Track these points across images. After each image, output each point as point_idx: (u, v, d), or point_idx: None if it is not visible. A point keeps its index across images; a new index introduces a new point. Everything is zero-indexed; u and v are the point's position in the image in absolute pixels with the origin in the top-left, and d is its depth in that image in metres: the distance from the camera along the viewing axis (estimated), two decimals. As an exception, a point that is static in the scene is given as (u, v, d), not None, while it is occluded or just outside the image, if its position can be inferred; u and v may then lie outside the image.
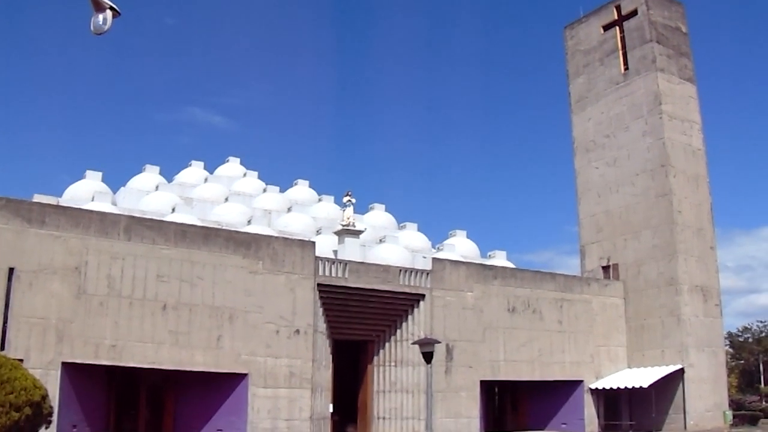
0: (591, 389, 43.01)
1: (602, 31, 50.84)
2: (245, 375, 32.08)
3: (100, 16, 12.38)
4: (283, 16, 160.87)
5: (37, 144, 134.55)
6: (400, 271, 37.97)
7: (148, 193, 43.29)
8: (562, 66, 53.75)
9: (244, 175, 51.31)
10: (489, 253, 48.98)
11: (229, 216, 41.81)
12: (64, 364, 27.82)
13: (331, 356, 36.49)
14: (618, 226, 47.35)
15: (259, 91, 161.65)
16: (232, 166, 52.35)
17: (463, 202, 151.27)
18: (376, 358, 38.91)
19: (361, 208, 48.34)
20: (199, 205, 43.23)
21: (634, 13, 48.57)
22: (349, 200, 40.92)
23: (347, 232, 40.41)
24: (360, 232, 41.26)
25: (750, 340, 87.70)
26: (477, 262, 44.45)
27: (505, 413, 45.59)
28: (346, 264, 36.41)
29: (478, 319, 39.63)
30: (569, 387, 42.82)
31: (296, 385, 33.31)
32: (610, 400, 44.23)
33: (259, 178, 51.38)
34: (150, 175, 46.52)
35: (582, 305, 43.83)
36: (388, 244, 42.69)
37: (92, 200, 38.63)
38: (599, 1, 51.68)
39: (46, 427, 20.08)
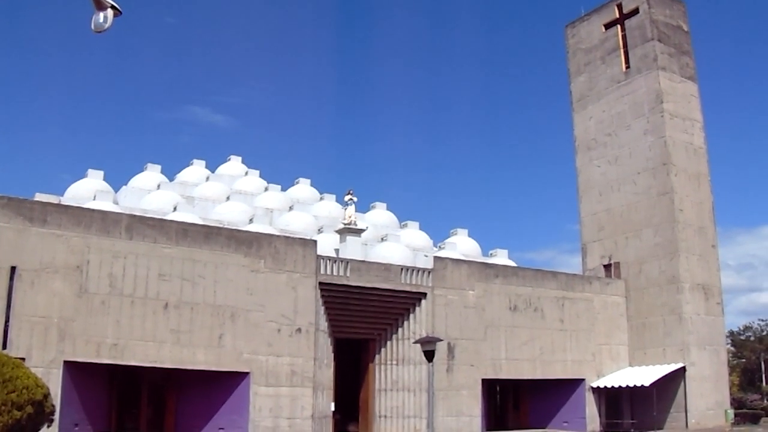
0: (592, 388, 43.01)
1: (603, 29, 50.82)
2: (247, 374, 32.10)
3: (101, 15, 12.39)
4: (284, 15, 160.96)
5: (39, 143, 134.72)
6: (402, 269, 37.97)
7: (150, 192, 43.32)
8: (564, 64, 53.77)
9: (246, 173, 51.32)
10: (490, 252, 49.00)
11: (231, 215, 41.83)
12: (65, 362, 27.86)
13: (332, 355, 36.49)
14: (619, 224, 47.34)
15: (261, 90, 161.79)
16: (234, 164, 52.36)
17: (464, 201, 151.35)
18: (377, 356, 38.92)
19: (363, 207, 48.43)
20: (200, 204, 43.23)
21: (635, 11, 48.54)
22: (351, 199, 40.96)
23: (349, 230, 40.43)
24: (361, 230, 41.27)
25: (752, 338, 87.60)
26: (478, 260, 44.44)
27: (506, 412, 45.60)
28: (347, 263, 36.42)
29: (479, 318, 39.64)
30: (571, 385, 42.82)
31: (298, 383, 33.33)
32: (612, 399, 44.22)
33: (261, 176, 51.38)
34: (151, 174, 46.55)
35: (583, 304, 43.82)
36: (390, 242, 42.71)
37: (94, 199, 38.66)
38: (600, -1, 51.69)
39: (48, 426, 20.09)
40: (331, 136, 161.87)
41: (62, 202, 35.43)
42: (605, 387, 42.91)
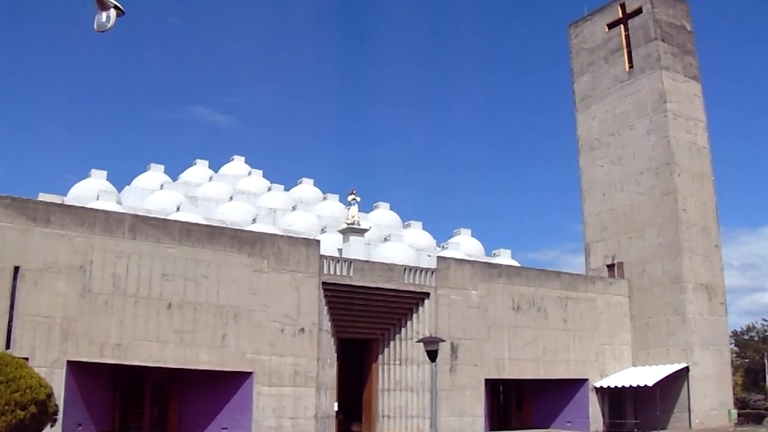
0: (596, 388, 42.98)
1: (607, 29, 50.78)
2: (250, 373, 32.11)
3: (104, 14, 12.44)
4: (287, 15, 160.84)
5: (42, 143, 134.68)
6: (405, 269, 37.97)
7: (153, 192, 43.38)
8: (567, 64, 53.75)
9: (249, 173, 51.37)
10: (494, 252, 49.00)
11: (234, 215, 41.86)
12: (69, 362, 27.89)
13: (335, 355, 36.51)
14: (623, 224, 47.29)
15: (264, 90, 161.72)
16: (237, 164, 52.40)
17: (467, 201, 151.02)
18: (380, 356, 38.93)
19: (366, 207, 48.48)
20: (203, 204, 43.29)
21: (638, 11, 48.50)
22: (354, 199, 40.99)
23: (352, 230, 40.44)
24: (365, 230, 41.28)
25: (756, 339, 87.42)
26: (482, 260, 44.44)
27: (509, 412, 45.60)
28: (350, 262, 36.43)
29: (482, 318, 39.62)
30: (574, 385, 42.79)
31: (301, 383, 33.34)
32: (615, 399, 44.18)
33: (264, 176, 51.41)
34: (155, 174, 46.60)
35: (587, 304, 43.79)
36: (393, 242, 42.73)
37: (97, 199, 38.70)
38: (604, -1, 51.64)
39: (52, 426, 20.14)
40: (334, 136, 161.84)
41: (65, 202, 35.45)
42: (608, 387, 42.88)
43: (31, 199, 29.87)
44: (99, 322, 28.86)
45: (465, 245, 47.78)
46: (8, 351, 23.88)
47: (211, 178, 49.05)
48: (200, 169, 50.57)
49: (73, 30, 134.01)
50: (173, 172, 48.93)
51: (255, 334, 32.45)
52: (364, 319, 37.83)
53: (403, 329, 38.53)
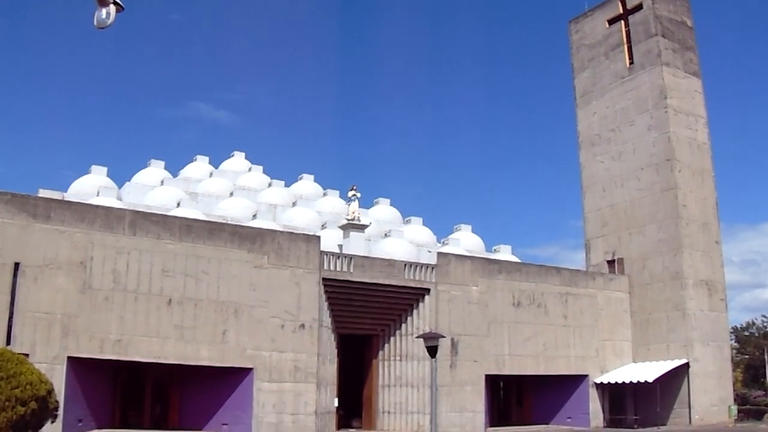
0: (596, 383, 43.01)
1: (607, 25, 50.75)
2: (250, 369, 32.13)
3: (104, 11, 12.42)
4: (287, 12, 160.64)
5: (42, 139, 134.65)
6: (405, 265, 37.97)
7: (153, 188, 43.38)
8: (567, 60, 53.71)
9: (249, 169, 51.40)
10: (494, 248, 49.00)
11: (234, 210, 41.87)
12: (69, 358, 27.90)
13: (336, 351, 36.53)
14: (623, 220, 47.29)
15: (264, 86, 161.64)
16: (237, 160, 52.43)
17: (468, 197, 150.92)
18: (381, 352, 38.95)
19: (366, 203, 48.50)
20: (204, 200, 43.31)
21: (639, 7, 48.47)
22: (354, 195, 40.98)
23: (352, 226, 40.44)
24: (365, 226, 41.28)
25: (756, 335, 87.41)
26: (482, 256, 44.43)
27: (510, 407, 45.65)
28: (351, 258, 36.42)
29: (483, 314, 39.63)
30: (574, 381, 42.82)
31: (301, 379, 33.35)
32: (615, 395, 44.21)
33: (264, 172, 51.48)
34: (155, 170, 46.64)
35: (587, 299, 43.80)
36: (393, 238, 42.74)
37: (97, 195, 38.74)
38: (604, -5, 51.55)
39: (52, 422, 20.14)
40: (335, 132, 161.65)
41: (66, 198, 35.45)
42: (609, 383, 42.91)
43: (31, 196, 29.88)
44: (99, 318, 28.87)
45: (465, 241, 47.79)
46: (9, 347, 23.89)
47: (211, 174, 49.07)
48: (200, 165, 50.62)
49: (74, 26, 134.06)
50: (173, 168, 49.04)
51: (255, 330, 32.45)
52: (365, 315, 37.83)
53: (403, 325, 38.55)
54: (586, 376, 42.92)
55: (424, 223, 48.70)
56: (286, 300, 33.59)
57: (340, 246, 39.83)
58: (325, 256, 35.44)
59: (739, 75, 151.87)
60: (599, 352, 43.68)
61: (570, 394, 43.06)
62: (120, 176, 45.23)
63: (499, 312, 40.29)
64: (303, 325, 33.82)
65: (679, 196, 44.38)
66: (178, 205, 40.11)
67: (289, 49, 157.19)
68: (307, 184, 51.03)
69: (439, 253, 40.23)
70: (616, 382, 42.58)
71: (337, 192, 49.15)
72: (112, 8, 12.37)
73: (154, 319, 30.11)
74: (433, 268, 38.61)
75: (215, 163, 51.83)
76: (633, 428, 42.14)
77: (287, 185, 50.10)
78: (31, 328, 27.38)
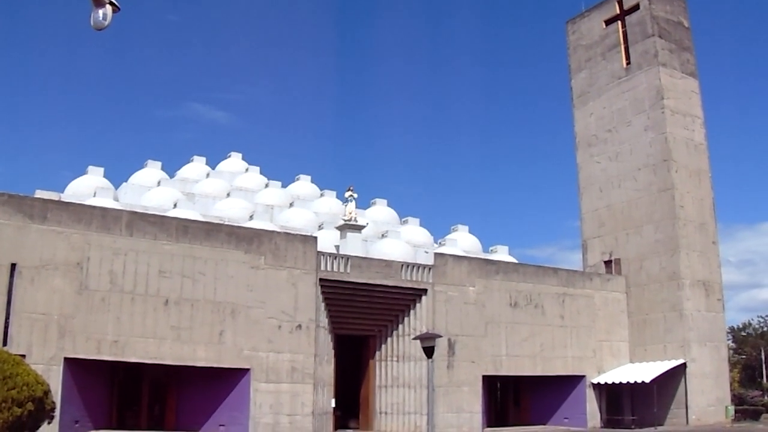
0: (593, 384, 43.02)
1: (604, 25, 50.77)
2: (247, 370, 32.10)
3: (100, 12, 12.38)
4: (284, 12, 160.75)
5: (39, 140, 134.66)
6: (402, 265, 37.95)
7: (150, 189, 43.37)
8: (564, 61, 53.69)
9: (246, 170, 51.38)
10: (491, 248, 49.03)
11: (231, 211, 41.85)
12: (66, 359, 27.87)
13: (333, 351, 36.49)
14: (620, 220, 47.31)
15: (261, 87, 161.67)
16: (234, 161, 52.41)
17: (465, 197, 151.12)
18: (378, 353, 38.92)
19: (363, 203, 48.48)
20: (201, 201, 43.28)
21: (636, 7, 48.49)
22: (351, 195, 40.95)
23: (349, 227, 40.42)
24: (362, 227, 41.26)
25: (753, 335, 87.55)
26: (479, 256, 44.45)
27: (507, 408, 45.63)
28: (348, 259, 36.40)
29: (480, 314, 39.62)
30: (571, 382, 42.82)
31: (298, 380, 33.33)
32: (612, 395, 44.21)
33: (261, 173, 51.48)
34: (152, 171, 46.61)
35: (584, 300, 43.80)
36: (390, 239, 42.74)
37: (94, 196, 38.72)
38: (601, -5, 51.59)
39: (49, 423, 20.07)
40: (332, 132, 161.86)
41: (62, 199, 35.44)
42: (606, 383, 42.92)
43: (28, 196, 29.84)
44: (96, 319, 28.84)
45: (462, 242, 47.81)
46: (5, 348, 23.84)
47: (208, 175, 49.05)
48: (197, 165, 50.60)
49: (71, 27, 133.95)
50: (170, 169, 49.02)
51: (252, 331, 32.43)
52: (362, 316, 37.81)
53: (400, 326, 38.53)
54: (584, 376, 42.92)
55: (421, 224, 48.76)
56: (283, 301, 33.57)
57: (337, 246, 39.82)
58: (322, 257, 35.41)
59: (736, 75, 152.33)
60: (596, 352, 43.68)
61: (567, 395, 43.06)
62: (117, 177, 45.20)
63: (496, 312, 40.28)
64: (300, 326, 33.80)
65: (676, 197, 44.40)
66: (175, 205, 40.10)
67: (287, 50, 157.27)
68: (304, 184, 51.02)
69: (436, 254, 40.22)
70: (614, 383, 42.58)
71: (334, 192, 49.21)
72: (108, 9, 12.34)
73: (151, 319, 30.07)
74: (430, 268, 38.60)
75: (212, 163, 51.85)
76: (630, 428, 42.11)
77: (284, 186, 50.08)
78: (28, 329, 27.35)
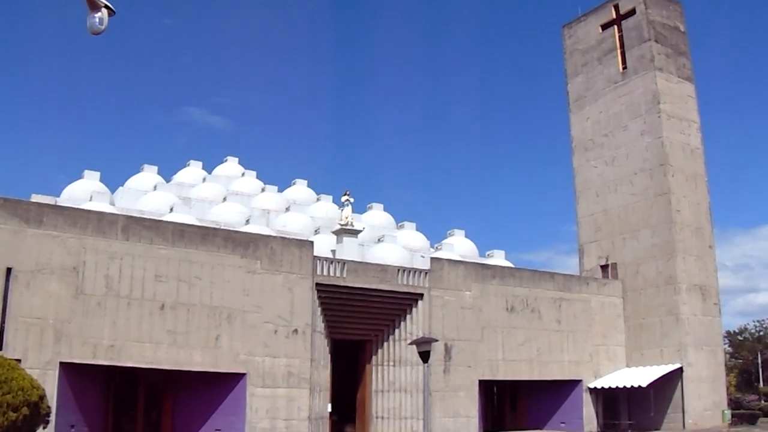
0: (590, 388, 42.99)
1: (600, 30, 50.83)
2: (243, 375, 32.04)
3: (96, 16, 12.33)
4: (280, 16, 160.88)
5: (35, 144, 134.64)
6: (399, 270, 37.93)
7: (146, 193, 43.31)
8: (561, 65, 53.79)
9: (243, 174, 51.33)
10: (487, 253, 49.00)
11: (228, 216, 41.79)
12: (62, 364, 27.78)
13: (329, 356, 36.46)
14: (617, 225, 47.33)
15: (257, 91, 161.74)
16: (231, 165, 52.36)
17: (461, 202, 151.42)
18: (374, 357, 38.88)
19: (360, 208, 48.45)
20: (197, 205, 43.24)
21: (632, 12, 48.56)
22: (348, 200, 40.93)
23: (345, 231, 40.40)
24: (358, 231, 41.25)
25: (749, 339, 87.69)
26: (475, 261, 44.44)
27: (503, 413, 45.59)
28: (344, 263, 36.37)
29: (476, 319, 39.60)
30: (568, 386, 42.81)
31: (295, 384, 33.27)
32: (609, 400, 44.21)
33: (258, 177, 51.41)
34: (148, 175, 46.55)
35: (580, 304, 43.80)
36: (387, 243, 42.70)
37: (90, 200, 38.63)
38: (597, 0, 51.66)
39: (44, 428, 20.07)
40: (328, 137, 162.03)
41: (58, 203, 35.36)
42: (602, 388, 42.90)
43: (23, 200, 29.75)
44: (92, 324, 28.76)
45: (459, 246, 47.79)
46: (0, 353, 23.81)
47: (204, 179, 48.99)
48: (194, 170, 50.53)
49: (67, 30, 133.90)
50: (166, 173, 48.96)
51: (248, 336, 32.38)
52: (358, 320, 37.78)
53: (396, 330, 38.49)
54: (580, 381, 42.90)
55: (418, 228, 48.73)
56: (280, 305, 33.53)
57: (334, 251, 39.78)
58: (318, 262, 35.38)
59: (732, 80, 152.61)
60: (593, 357, 43.67)
61: (564, 399, 43.04)
62: (113, 181, 45.22)
63: (493, 317, 40.26)
64: (296, 331, 33.76)
65: (673, 201, 44.43)
66: (171, 210, 40.04)
67: (283, 54, 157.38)
68: (300, 189, 50.98)
69: (433, 258, 40.19)
70: (610, 387, 42.57)
71: (331, 197, 49.13)
72: (104, 12, 12.29)
73: (147, 324, 30.01)
74: (426, 273, 38.58)
75: (208, 168, 51.79)
76: (627, 433, 42.19)
77: (280, 190, 50.05)
78: (24, 333, 27.26)
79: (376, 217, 48.95)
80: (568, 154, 51.59)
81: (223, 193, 46.56)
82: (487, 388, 42.28)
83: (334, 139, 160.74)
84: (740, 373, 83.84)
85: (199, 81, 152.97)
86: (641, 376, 41.78)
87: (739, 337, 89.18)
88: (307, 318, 34.22)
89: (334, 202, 48.12)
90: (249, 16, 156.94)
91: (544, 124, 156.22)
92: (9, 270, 27.43)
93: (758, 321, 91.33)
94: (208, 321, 31.48)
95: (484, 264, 43.20)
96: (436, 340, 27.12)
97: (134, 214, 34.48)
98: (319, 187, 52.93)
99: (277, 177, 78.31)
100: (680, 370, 42.19)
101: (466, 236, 50.20)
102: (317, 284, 35.00)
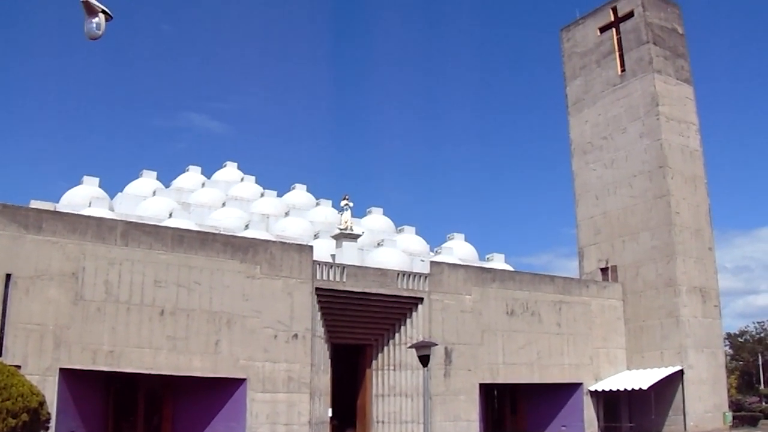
0: (590, 391, 42.95)
1: (598, 33, 50.86)
2: (243, 380, 31.99)
3: (93, 21, 12.36)
4: (279, 21, 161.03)
5: (34, 150, 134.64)
6: (398, 274, 37.90)
7: (146, 199, 43.31)
8: (559, 68, 53.82)
9: (242, 179, 51.34)
10: (487, 256, 48.97)
11: (227, 221, 41.80)
12: (61, 370, 27.73)
13: (329, 360, 36.41)
14: (616, 227, 47.32)
15: (256, 96, 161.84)
16: (230, 170, 52.38)
17: (461, 205, 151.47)
18: (374, 362, 38.83)
19: (359, 212, 48.45)
20: (196, 210, 43.24)
21: (630, 14, 48.59)
22: (347, 204, 40.88)
23: (345, 236, 40.37)
24: (358, 236, 41.22)
25: (749, 341, 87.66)
26: (475, 265, 44.40)
27: (504, 416, 45.53)
28: (344, 268, 36.34)
29: (476, 322, 39.57)
30: (568, 389, 42.76)
31: (295, 389, 33.23)
32: (610, 402, 44.17)
33: (257, 182, 51.43)
34: (147, 181, 46.55)
35: (581, 307, 43.77)
36: (386, 247, 42.69)
37: (89, 206, 38.64)
38: (595, 2, 51.76)
39: (44, 434, 20.04)
40: (327, 141, 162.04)
41: (57, 209, 35.38)
42: (603, 390, 42.86)
43: (22, 206, 29.71)
44: (91, 330, 28.72)
45: (458, 250, 47.76)
46: (0, 359, 23.80)
47: (203, 185, 49.01)
48: (193, 175, 50.55)
49: (66, 36, 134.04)
50: (166, 179, 48.96)
51: (248, 341, 32.34)
52: (358, 325, 37.75)
53: (396, 334, 38.46)
54: (581, 384, 42.86)
55: (417, 232, 48.70)
56: (279, 310, 33.50)
57: (333, 256, 39.76)
58: (317, 266, 35.36)
59: (731, 81, 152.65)
60: (593, 359, 43.64)
61: (564, 402, 42.99)
62: (112, 187, 45.20)
63: (493, 320, 40.23)
64: (296, 335, 33.72)
65: (672, 203, 44.42)
66: (171, 215, 40.04)
67: (281, 59, 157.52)
68: (299, 193, 50.99)
69: (432, 262, 40.17)
70: (611, 390, 42.52)
71: (330, 201, 49.11)
72: (102, 18, 12.31)
73: (147, 330, 29.97)
74: (426, 277, 38.55)
75: (208, 173, 51.80)
76: (628, 436, 42.15)
77: (280, 195, 50.06)
78: (23, 339, 27.22)
79: (376, 221, 48.95)
80: (567, 157, 51.67)
81: (222, 198, 46.56)
82: (487, 391, 42.24)
83: (333, 144, 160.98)
84: (741, 375, 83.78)
85: (198, 86, 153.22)
86: (642, 378, 41.74)
87: (740, 339, 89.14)
88: (306, 323, 34.19)
89: (333, 206, 48.11)
90: (247, 22, 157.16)
91: (543, 127, 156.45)
92: (8, 276, 27.40)
93: (758, 323, 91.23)
94: (208, 326, 31.44)
95: (483, 267, 43.17)
96: (436, 344, 27.05)
97: (133, 220, 34.45)
98: (318, 192, 53.00)
99: (276, 182, 78.22)
100: (681, 372, 42.15)
101: (466, 240, 50.21)
102: (317, 289, 34.97)
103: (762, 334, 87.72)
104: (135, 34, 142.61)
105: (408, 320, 38.22)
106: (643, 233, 45.57)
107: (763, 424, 51.48)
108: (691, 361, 42.65)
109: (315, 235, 42.39)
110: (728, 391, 48.86)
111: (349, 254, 39.65)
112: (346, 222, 40.69)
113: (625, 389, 41.86)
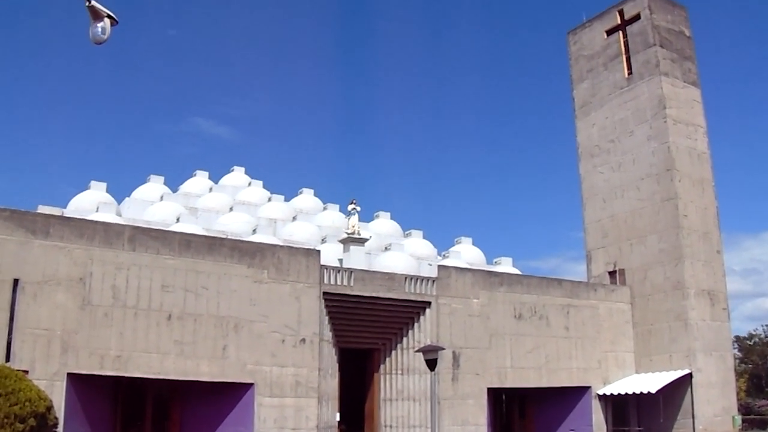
0: (599, 395, 42.83)
1: (605, 35, 50.82)
2: (251, 385, 32.00)
3: (99, 26, 12.36)
4: (286, 25, 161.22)
5: (41, 155, 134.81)
6: (406, 278, 37.88)
7: (153, 204, 43.36)
8: (566, 71, 53.77)
9: (249, 184, 51.35)
10: (495, 260, 48.87)
11: (234, 225, 41.82)
12: (69, 375, 27.78)
13: (337, 365, 36.40)
14: (624, 231, 47.22)
15: (263, 101, 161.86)
16: (237, 175, 52.39)
17: (468, 209, 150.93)
18: (382, 366, 38.81)
19: (367, 216, 48.42)
20: (203, 215, 43.25)
21: (637, 17, 48.54)
22: (354, 208, 40.89)
23: (352, 240, 40.36)
24: (365, 240, 41.20)
25: (759, 344, 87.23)
26: (483, 268, 44.33)
27: (512, 420, 45.42)
28: (351, 272, 36.34)
29: (484, 326, 39.51)
30: (577, 393, 42.65)
31: (302, 394, 33.22)
32: (618, 406, 44.03)
33: (264, 187, 51.39)
34: (154, 186, 46.60)
35: (589, 311, 43.67)
36: (394, 251, 42.65)
37: (97, 211, 38.66)
38: (602, 5, 51.72)
39: (51, 439, 20.06)
40: (335, 145, 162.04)
41: (65, 214, 35.45)
42: (611, 394, 42.74)
43: (30, 212, 29.82)
44: (99, 334, 28.77)
45: (466, 254, 47.70)
46: (8, 364, 23.86)
47: (211, 189, 49.03)
48: (200, 180, 50.56)
49: (73, 41, 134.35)
50: (173, 184, 48.98)
51: (256, 345, 32.35)
52: (366, 329, 37.73)
53: (404, 338, 38.42)
54: (589, 387, 42.75)
55: (425, 236, 48.61)
56: (287, 314, 33.50)
57: (341, 260, 39.76)
58: (325, 270, 35.36)
59: (738, 83, 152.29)
60: (602, 363, 43.52)
61: (573, 406, 42.88)
62: (119, 192, 45.16)
63: (501, 324, 40.17)
64: (304, 340, 33.72)
65: (680, 206, 44.32)
66: (178, 220, 40.07)
67: (288, 64, 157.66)
68: (307, 198, 50.98)
69: (440, 266, 40.14)
70: (619, 394, 42.40)
71: (337, 206, 49.11)
72: (107, 22, 12.32)
73: (154, 334, 30.01)
74: (433, 281, 38.52)
75: (215, 178, 51.81)
76: (637, 440, 42.02)
77: (287, 200, 50.06)
78: (31, 344, 27.28)
79: (383, 225, 48.93)
80: (575, 161, 51.56)
81: (229, 202, 46.59)
82: (495, 395, 42.14)
83: (340, 148, 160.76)
84: (750, 378, 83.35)
85: (205, 91, 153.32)
86: (650, 382, 41.62)
87: (749, 342, 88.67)
88: (314, 327, 34.19)
89: (340, 210, 48.12)
90: (254, 27, 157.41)
91: (550, 131, 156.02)
92: (16, 281, 27.47)
93: (767, 325, 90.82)
94: (215, 331, 31.46)
95: (491, 271, 43.12)
96: (443, 348, 27.09)
97: (141, 225, 34.49)
98: (325, 196, 52.95)
99: (283, 186, 78.45)
100: (689, 375, 41.99)
101: (474, 244, 50.11)
102: (324, 293, 34.97)
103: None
104: (141, 39, 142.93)
105: (416, 324, 38.19)
106: (650, 236, 45.47)
107: (773, 427, 51.25)
108: (700, 364, 42.50)
109: (322, 240, 42.38)
110: (737, 394, 48.66)
111: (356, 258, 39.64)
112: (353, 226, 40.70)
113: (634, 393, 41.73)
